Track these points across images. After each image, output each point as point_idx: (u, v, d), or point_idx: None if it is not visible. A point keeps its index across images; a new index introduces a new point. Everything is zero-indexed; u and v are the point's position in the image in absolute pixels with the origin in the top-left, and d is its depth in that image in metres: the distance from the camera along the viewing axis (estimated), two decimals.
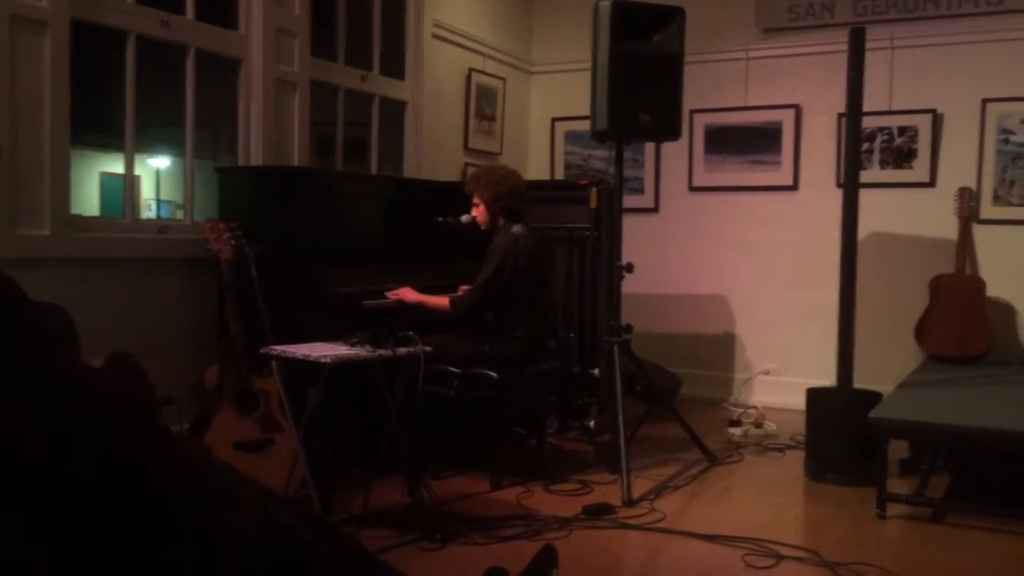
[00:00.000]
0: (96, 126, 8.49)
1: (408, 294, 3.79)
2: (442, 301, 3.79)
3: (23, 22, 3.16)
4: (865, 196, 4.13)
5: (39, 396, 1.25)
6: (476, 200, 3.91)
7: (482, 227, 3.92)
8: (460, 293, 3.88)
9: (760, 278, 5.72)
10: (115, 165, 10.02)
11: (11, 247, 3.09)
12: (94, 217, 4.15)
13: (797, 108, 5.61)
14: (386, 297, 3.76)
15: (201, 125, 4.15)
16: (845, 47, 3.98)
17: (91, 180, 10.77)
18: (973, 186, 5.14)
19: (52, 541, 1.26)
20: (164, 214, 11.08)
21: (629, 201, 4.97)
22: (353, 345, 3.07)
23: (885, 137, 5.36)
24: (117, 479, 1.31)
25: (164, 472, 1.38)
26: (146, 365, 1.60)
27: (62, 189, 3.33)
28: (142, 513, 1.33)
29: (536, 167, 6.32)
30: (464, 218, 4.00)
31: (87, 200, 10.16)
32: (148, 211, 10.85)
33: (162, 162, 11.25)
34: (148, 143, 9.95)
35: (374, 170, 5.15)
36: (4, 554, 1.22)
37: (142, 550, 1.33)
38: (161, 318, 3.68)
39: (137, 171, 6.54)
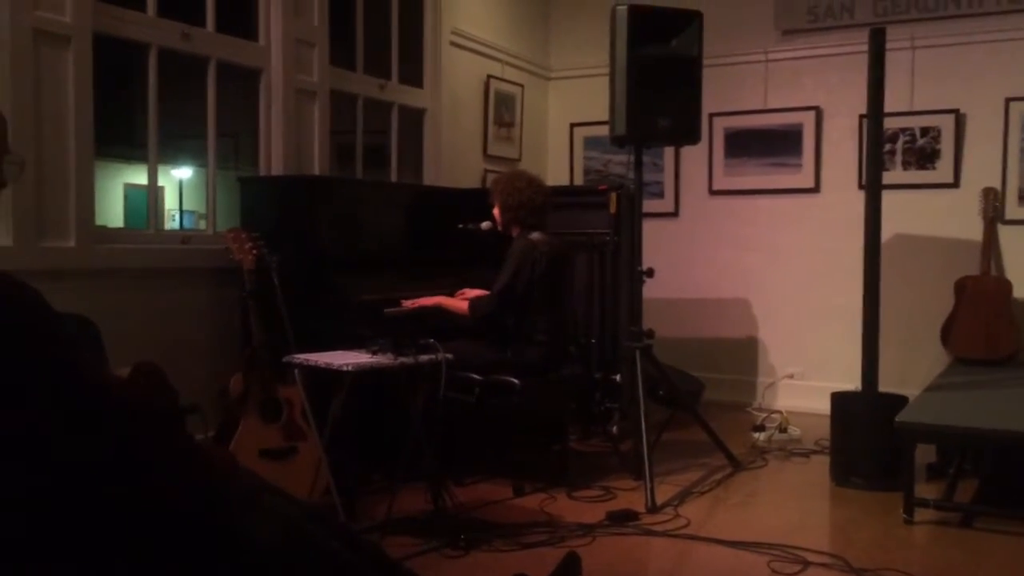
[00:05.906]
0: (119, 138, 8.59)
1: (427, 299, 3.81)
2: (461, 304, 3.81)
3: (46, 37, 3.20)
4: (888, 197, 4.09)
5: (65, 404, 1.26)
6: (494, 204, 3.92)
7: (499, 229, 3.93)
8: (477, 297, 3.88)
9: (783, 281, 5.68)
10: (138, 176, 10.14)
11: (37, 259, 3.12)
12: (118, 228, 4.19)
13: (818, 110, 5.58)
14: (404, 306, 3.77)
15: (223, 136, 4.19)
16: (865, 48, 3.96)
17: (115, 192, 10.89)
18: (998, 186, 5.08)
19: (73, 543, 1.27)
20: (187, 224, 11.17)
21: (649, 206, 4.96)
22: (375, 353, 3.08)
23: (907, 138, 5.32)
24: (142, 487, 1.32)
25: (189, 479, 1.39)
26: (171, 374, 1.61)
27: (87, 201, 3.36)
28: (166, 520, 1.34)
29: (555, 172, 6.32)
30: (484, 225, 4.00)
31: (111, 212, 10.28)
32: (171, 222, 10.95)
33: (185, 173, 11.35)
34: (171, 154, 10.05)
35: (394, 178, 5.17)
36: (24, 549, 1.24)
37: (166, 557, 1.33)
38: (185, 328, 3.71)
39: (160, 182, 6.60)
